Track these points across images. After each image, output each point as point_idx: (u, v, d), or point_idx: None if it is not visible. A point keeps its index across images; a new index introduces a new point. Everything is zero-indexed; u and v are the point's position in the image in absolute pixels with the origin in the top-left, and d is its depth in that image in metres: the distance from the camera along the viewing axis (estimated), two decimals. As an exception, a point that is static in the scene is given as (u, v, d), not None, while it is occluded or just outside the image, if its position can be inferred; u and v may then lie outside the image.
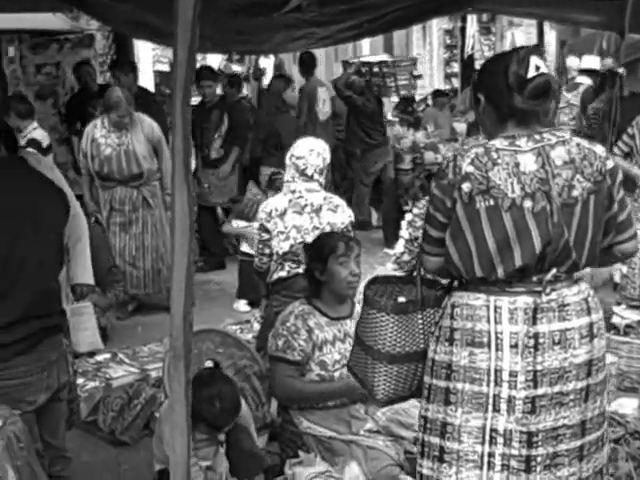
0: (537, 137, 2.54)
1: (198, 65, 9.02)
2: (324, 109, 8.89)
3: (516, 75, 2.51)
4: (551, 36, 12.54)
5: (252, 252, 6.59)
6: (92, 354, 5.41)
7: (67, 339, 3.14)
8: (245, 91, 12.47)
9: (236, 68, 12.41)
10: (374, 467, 3.65)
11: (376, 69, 8.99)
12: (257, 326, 5.81)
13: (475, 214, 2.49)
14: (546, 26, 11.48)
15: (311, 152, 4.68)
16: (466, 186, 2.48)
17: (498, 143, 2.53)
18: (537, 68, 2.52)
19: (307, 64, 9.01)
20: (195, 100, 7.32)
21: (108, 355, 5.50)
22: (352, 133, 8.98)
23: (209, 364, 3.68)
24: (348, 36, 3.90)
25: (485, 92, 2.62)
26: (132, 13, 3.49)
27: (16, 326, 2.74)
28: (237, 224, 6.88)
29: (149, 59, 10.61)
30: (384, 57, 9.50)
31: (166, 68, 10.93)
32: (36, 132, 6.89)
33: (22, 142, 6.20)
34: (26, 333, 2.76)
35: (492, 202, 2.47)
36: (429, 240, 2.65)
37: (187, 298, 2.59)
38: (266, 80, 12.71)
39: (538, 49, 2.69)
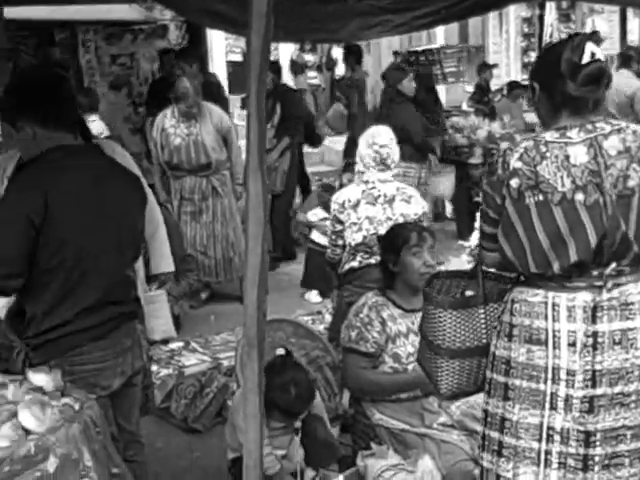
0: (589, 127, 2.49)
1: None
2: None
3: (569, 62, 2.48)
4: (634, 23, 12.19)
5: (322, 242, 6.62)
6: (165, 342, 5.46)
7: (142, 326, 3.17)
8: (318, 81, 12.48)
9: (308, 58, 12.43)
10: (447, 461, 3.60)
11: (422, 58, 8.91)
12: (329, 317, 5.80)
13: (525, 210, 2.47)
14: (629, 12, 11.15)
15: (391, 141, 4.66)
16: (514, 182, 2.47)
17: (548, 136, 2.50)
18: (592, 55, 2.49)
19: (355, 54, 8.96)
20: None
21: (181, 343, 5.55)
22: None
23: (281, 352, 3.68)
24: (423, 23, 3.83)
25: (539, 80, 2.60)
26: (205, 2, 3.50)
27: (92, 312, 2.77)
28: (316, 214, 6.87)
29: (222, 49, 10.67)
30: (430, 46, 9.45)
31: (239, 58, 10.98)
32: (94, 124, 6.98)
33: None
34: (101, 319, 2.79)
35: (541, 197, 2.45)
36: (484, 236, 2.65)
37: (261, 287, 2.58)
38: (339, 70, 12.70)
39: (595, 36, 2.65)
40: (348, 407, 4.06)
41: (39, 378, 2.44)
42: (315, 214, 6.91)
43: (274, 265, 7.24)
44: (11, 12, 5.68)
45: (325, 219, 6.70)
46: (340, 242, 4.66)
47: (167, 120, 6.39)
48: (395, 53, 9.49)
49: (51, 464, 2.06)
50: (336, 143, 10.94)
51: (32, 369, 2.50)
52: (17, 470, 2.01)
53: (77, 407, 2.34)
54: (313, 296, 6.70)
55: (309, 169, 9.97)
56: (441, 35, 13.86)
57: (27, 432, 2.20)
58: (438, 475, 3.54)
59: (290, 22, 3.24)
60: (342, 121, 9.78)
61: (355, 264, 4.70)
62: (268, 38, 2.36)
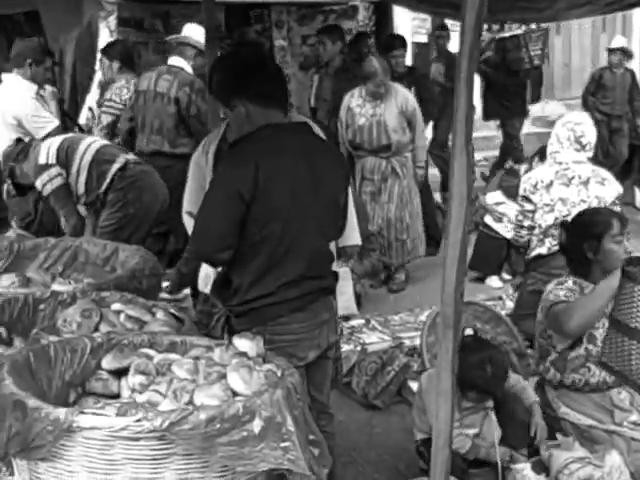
0: None
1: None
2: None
3: None
4: None
5: (494, 226, 6.50)
6: (347, 318, 5.55)
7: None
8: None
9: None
10: (637, 459, 3.47)
11: (509, 44, 9.03)
12: (510, 304, 5.70)
13: None
14: None
15: (587, 121, 4.52)
16: None
17: None
18: None
19: None
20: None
21: (362, 321, 5.62)
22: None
23: (469, 332, 3.67)
24: (634, 2, 3.65)
25: None
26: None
27: (293, 285, 2.85)
28: (494, 197, 6.75)
29: (408, 30, 10.63)
30: (517, 32, 9.39)
31: (424, 39, 10.90)
32: None
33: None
34: (301, 292, 2.87)
35: None
36: None
37: (460, 266, 2.57)
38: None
39: None
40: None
41: (243, 344, 2.54)
42: (493, 197, 6.78)
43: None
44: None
45: (500, 204, 6.57)
46: (527, 223, 4.56)
47: (354, 99, 6.44)
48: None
49: (256, 425, 2.14)
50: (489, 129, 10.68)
51: (237, 335, 2.61)
52: (226, 428, 2.10)
53: (279, 373, 2.42)
54: (494, 281, 6.59)
55: (489, 153, 9.83)
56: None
57: (234, 394, 2.31)
58: (626, 471, 3.42)
59: (497, 1, 3.17)
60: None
61: (543, 250, 4.59)
62: (481, 16, 2.33)
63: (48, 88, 6.03)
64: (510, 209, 6.48)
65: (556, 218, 4.46)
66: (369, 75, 6.25)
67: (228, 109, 2.93)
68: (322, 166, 2.90)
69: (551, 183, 4.50)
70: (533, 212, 4.55)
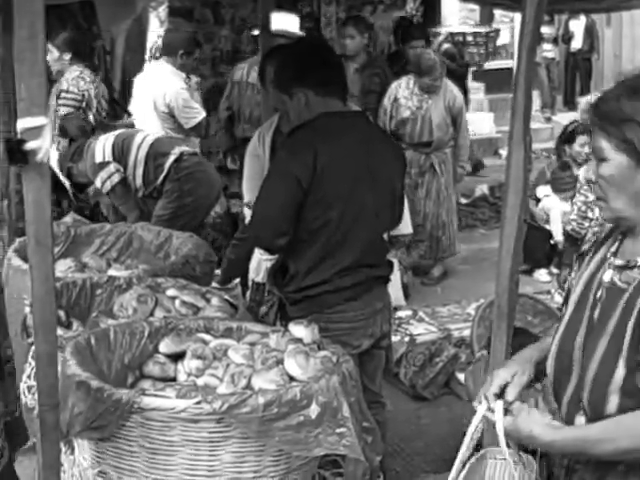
0: None
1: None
2: None
3: None
4: None
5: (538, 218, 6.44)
6: (394, 309, 5.54)
7: (386, 290, 3.25)
8: (553, 54, 12.06)
9: (544, 30, 12.02)
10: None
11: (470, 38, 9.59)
12: (558, 298, 5.65)
13: None
14: None
15: None
16: None
17: None
18: None
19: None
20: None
21: (409, 312, 5.62)
22: None
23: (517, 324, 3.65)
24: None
25: None
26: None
27: (348, 273, 2.88)
28: (543, 191, 6.69)
29: (455, 21, 10.59)
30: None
31: (472, 29, 10.85)
32: None
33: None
34: (356, 280, 2.89)
35: None
36: None
37: (515, 256, 2.57)
38: (575, 43, 12.19)
39: None
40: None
41: (299, 330, 2.56)
42: (542, 191, 6.72)
43: None
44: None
45: (547, 196, 6.51)
46: (590, 214, 4.52)
47: (401, 90, 6.37)
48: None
49: (313, 410, 2.16)
50: (567, 119, 10.56)
51: (292, 322, 2.63)
52: (283, 413, 2.12)
53: (335, 360, 2.44)
54: (542, 275, 6.54)
55: (538, 145, 9.72)
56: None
57: (291, 379, 2.34)
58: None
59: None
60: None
61: (595, 245, 4.54)
62: (542, 6, 2.32)
63: (193, 78, 6.18)
64: (554, 203, 6.44)
65: (613, 211, 4.42)
66: (427, 70, 6.17)
67: (287, 97, 2.95)
68: (379, 155, 2.91)
69: (611, 175, 4.47)
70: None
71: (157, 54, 6.80)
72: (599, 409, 1.72)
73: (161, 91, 5.66)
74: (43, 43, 1.89)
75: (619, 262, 1.79)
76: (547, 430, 1.74)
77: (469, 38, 10.52)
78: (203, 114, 5.77)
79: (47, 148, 1.92)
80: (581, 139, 6.04)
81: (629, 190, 1.70)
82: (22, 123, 1.91)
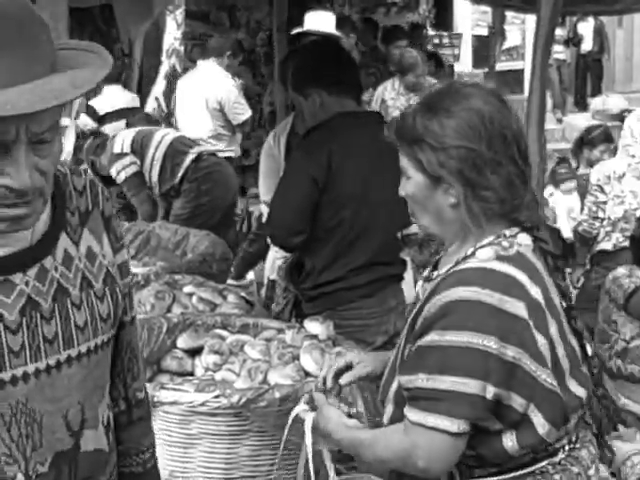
0: None
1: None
2: None
3: None
4: None
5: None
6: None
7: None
8: (564, 56, 12.08)
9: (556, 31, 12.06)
10: (701, 453, 3.44)
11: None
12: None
13: None
14: None
15: None
16: None
17: None
18: None
19: None
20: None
21: (422, 311, 5.63)
22: None
23: None
24: None
25: None
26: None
27: (362, 271, 2.92)
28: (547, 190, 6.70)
29: (468, 23, 10.60)
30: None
31: (484, 32, 10.85)
32: None
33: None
34: (371, 278, 2.94)
35: None
36: None
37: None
38: (585, 45, 12.19)
39: None
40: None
41: (314, 327, 2.61)
42: (546, 191, 6.73)
43: None
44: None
45: (551, 195, 6.52)
46: (601, 215, 4.55)
47: (387, 93, 6.42)
48: None
49: (329, 405, 2.20)
50: (578, 119, 10.59)
51: (308, 318, 2.67)
52: (300, 407, 2.17)
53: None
54: (555, 275, 6.53)
55: (549, 146, 9.71)
56: None
57: (306, 374, 2.38)
58: (689, 465, 3.40)
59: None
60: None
61: (609, 247, 4.58)
62: (557, 8, 2.36)
63: (237, 79, 6.41)
64: (558, 199, 6.45)
65: (625, 211, 4.45)
66: (409, 67, 6.19)
67: (302, 98, 3.01)
68: (393, 155, 2.94)
69: (623, 175, 4.49)
70: (605, 203, 4.54)
71: (195, 57, 7.01)
72: (382, 416, 1.73)
73: (213, 89, 5.90)
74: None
75: (425, 274, 1.78)
76: (339, 427, 1.73)
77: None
78: (250, 112, 6.02)
79: (69, 150, 1.97)
80: (603, 146, 6.04)
81: (430, 208, 1.67)
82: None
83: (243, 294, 3.11)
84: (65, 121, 1.78)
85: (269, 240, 3.24)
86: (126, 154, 4.97)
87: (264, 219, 3.26)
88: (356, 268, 2.91)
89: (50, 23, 1.90)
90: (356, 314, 2.93)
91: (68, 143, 1.77)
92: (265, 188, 3.54)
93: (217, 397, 2.12)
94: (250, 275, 5.01)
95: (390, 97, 6.38)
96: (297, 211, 2.85)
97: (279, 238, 3.01)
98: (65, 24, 1.93)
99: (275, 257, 3.54)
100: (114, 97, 6.36)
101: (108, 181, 5.26)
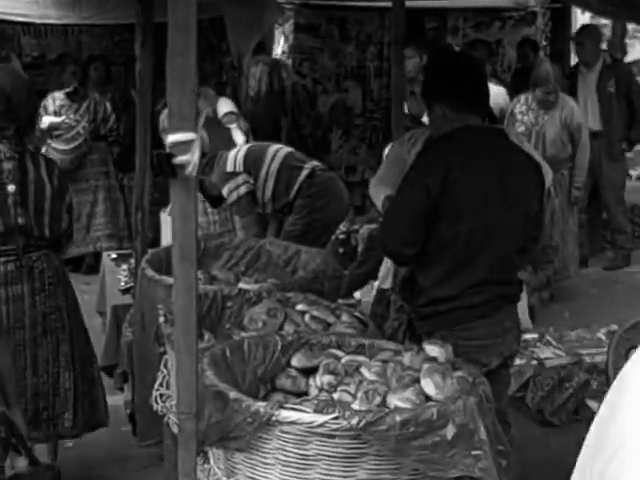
0: None
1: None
2: None
3: None
4: None
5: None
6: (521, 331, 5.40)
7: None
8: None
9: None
10: None
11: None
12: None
13: None
14: None
15: None
16: None
17: None
18: None
19: None
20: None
21: (536, 335, 5.45)
22: None
23: None
24: None
25: None
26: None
27: (477, 290, 2.83)
28: None
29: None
30: None
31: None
32: None
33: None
34: (486, 298, 2.85)
35: None
36: None
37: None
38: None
39: None
40: None
41: (433, 349, 2.52)
42: None
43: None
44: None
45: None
46: None
47: (519, 105, 6.21)
48: None
49: (449, 431, 2.12)
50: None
51: (426, 341, 2.59)
52: (419, 432, 2.08)
53: (471, 380, 2.38)
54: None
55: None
56: None
57: (427, 398, 2.30)
58: None
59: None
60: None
61: None
62: None
63: None
64: None
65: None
66: (540, 81, 5.98)
67: (429, 109, 3.05)
68: (515, 173, 2.87)
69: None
70: None
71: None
72: None
73: None
74: (194, 60, 1.93)
75: None
76: None
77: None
78: None
79: (195, 163, 1.96)
80: None
81: None
82: (172, 137, 1.95)
83: (357, 313, 3.05)
84: (190, 136, 1.77)
85: (381, 249, 3.18)
86: (239, 173, 4.95)
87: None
88: (471, 286, 2.82)
89: (181, 36, 1.91)
90: (473, 334, 2.84)
91: (194, 158, 1.77)
92: (389, 180, 3.45)
93: (336, 418, 2.06)
94: (357, 294, 4.95)
95: (520, 111, 6.18)
96: (409, 221, 2.80)
97: (391, 247, 2.95)
98: (194, 37, 1.92)
99: (388, 265, 3.46)
100: (223, 108, 6.36)
101: (215, 201, 5.26)
